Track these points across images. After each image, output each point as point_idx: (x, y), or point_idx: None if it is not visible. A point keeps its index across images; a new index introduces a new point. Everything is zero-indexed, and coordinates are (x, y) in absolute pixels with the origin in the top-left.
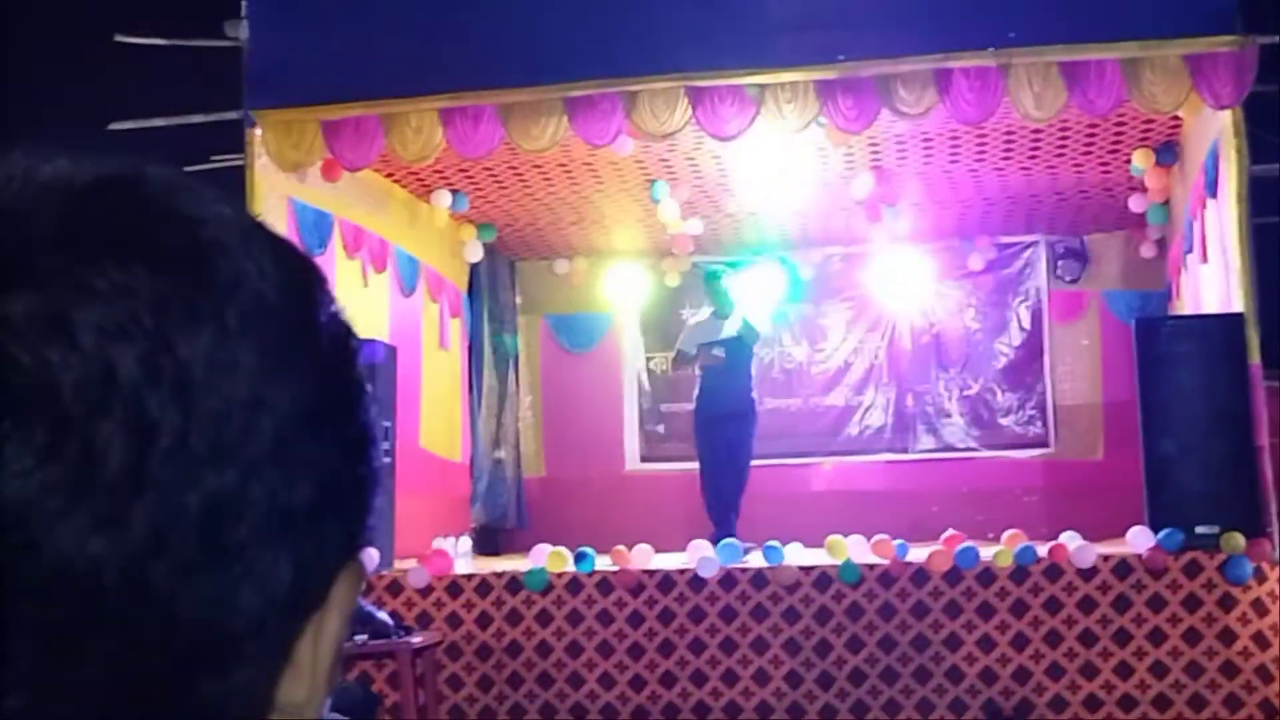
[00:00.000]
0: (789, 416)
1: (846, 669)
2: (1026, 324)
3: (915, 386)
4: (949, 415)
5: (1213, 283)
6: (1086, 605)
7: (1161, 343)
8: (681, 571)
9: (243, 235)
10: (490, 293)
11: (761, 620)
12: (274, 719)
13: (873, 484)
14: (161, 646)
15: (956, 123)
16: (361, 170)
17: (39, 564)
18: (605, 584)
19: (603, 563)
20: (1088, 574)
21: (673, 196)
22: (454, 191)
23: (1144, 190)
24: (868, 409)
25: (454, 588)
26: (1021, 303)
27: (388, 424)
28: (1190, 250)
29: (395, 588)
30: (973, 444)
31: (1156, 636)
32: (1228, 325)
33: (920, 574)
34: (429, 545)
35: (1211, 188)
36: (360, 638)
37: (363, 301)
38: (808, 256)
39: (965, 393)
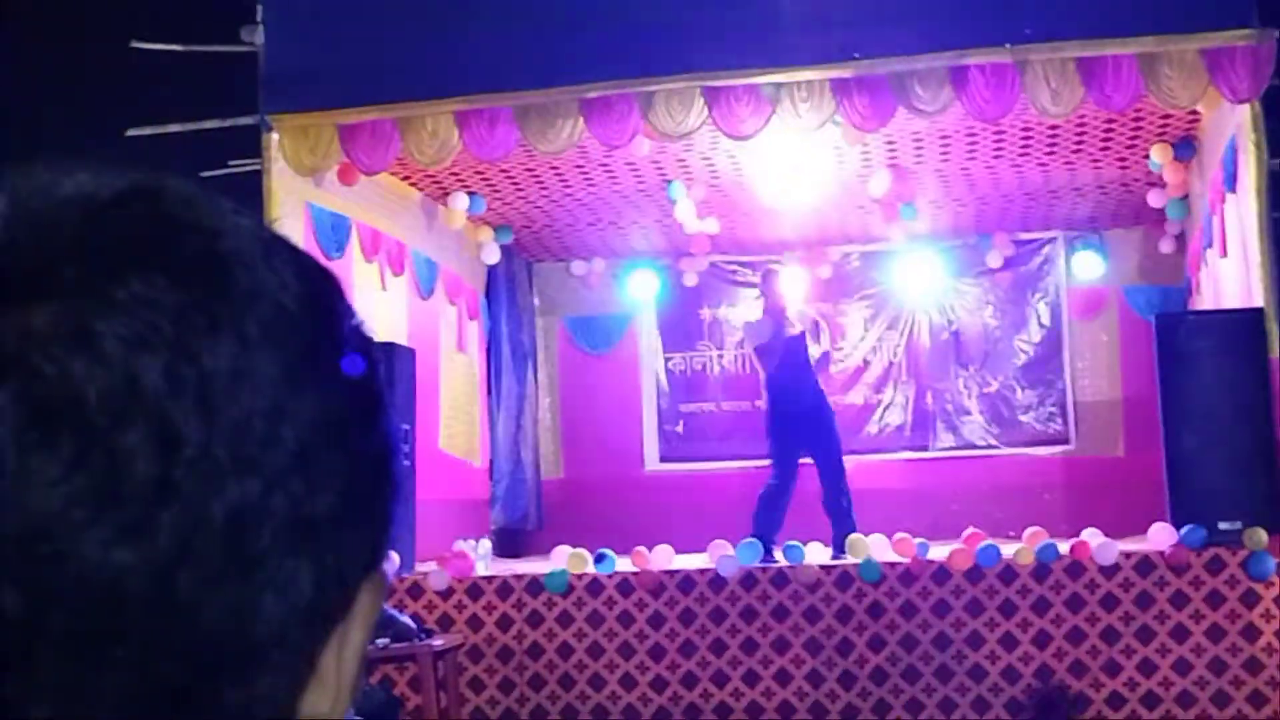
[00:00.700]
0: None
1: (868, 668)
2: (1046, 320)
3: (934, 384)
4: (968, 413)
5: (1232, 277)
6: (1109, 602)
7: (1181, 338)
8: (702, 572)
9: (263, 247)
10: (508, 295)
11: (783, 620)
12: None
13: (892, 482)
14: (185, 656)
15: (973, 120)
16: (378, 174)
17: (65, 574)
18: (626, 585)
19: (623, 564)
20: (1110, 571)
21: (689, 196)
22: (471, 194)
23: (1162, 185)
24: (887, 407)
25: (475, 590)
26: (1040, 299)
27: (407, 427)
28: (1209, 245)
29: (416, 590)
30: (993, 441)
31: (1179, 633)
32: (1248, 320)
33: (941, 572)
34: (449, 548)
35: (1230, 182)
36: (382, 641)
37: (381, 304)
38: (825, 255)
39: (985, 390)
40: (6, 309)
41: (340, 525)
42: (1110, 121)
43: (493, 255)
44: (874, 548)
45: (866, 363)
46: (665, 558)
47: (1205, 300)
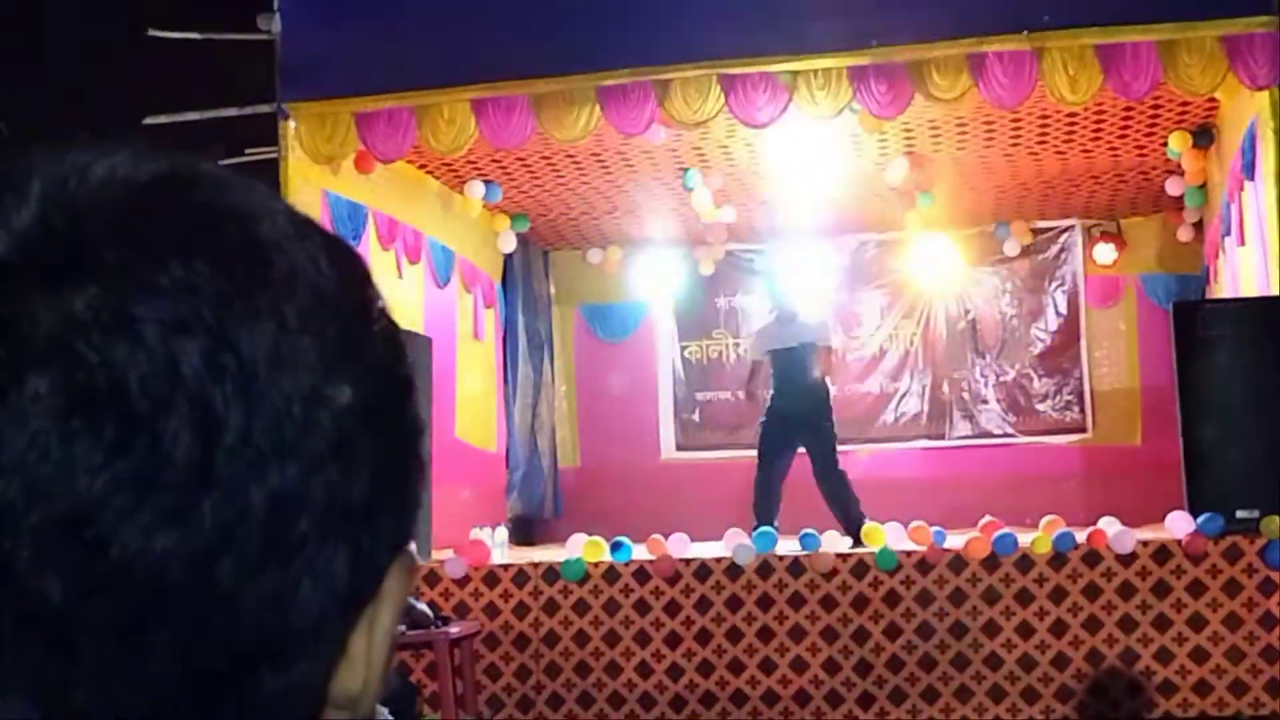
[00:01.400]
0: None
1: (884, 656)
2: (1063, 309)
3: (951, 373)
4: (985, 401)
5: (1251, 265)
6: (1126, 591)
7: (1199, 326)
8: (718, 560)
9: (297, 231)
10: (524, 283)
11: (798, 608)
12: (329, 712)
13: (909, 471)
14: (224, 642)
15: (991, 107)
16: (395, 162)
17: (106, 561)
18: (642, 573)
19: (639, 552)
20: (1127, 559)
21: (706, 184)
22: (487, 182)
23: (1181, 173)
24: (903, 396)
25: (491, 578)
26: (1058, 287)
27: (423, 415)
28: (1228, 233)
29: (433, 578)
30: (1009, 430)
31: (1197, 621)
32: (1266, 308)
33: (958, 560)
34: (466, 536)
35: (1249, 169)
36: (399, 628)
37: (397, 293)
38: (842, 243)
39: (1001, 378)
40: (46, 294)
41: (374, 509)
42: (1128, 109)
43: (509, 243)
44: (890, 536)
45: (883, 351)
46: (681, 545)
47: (1223, 288)
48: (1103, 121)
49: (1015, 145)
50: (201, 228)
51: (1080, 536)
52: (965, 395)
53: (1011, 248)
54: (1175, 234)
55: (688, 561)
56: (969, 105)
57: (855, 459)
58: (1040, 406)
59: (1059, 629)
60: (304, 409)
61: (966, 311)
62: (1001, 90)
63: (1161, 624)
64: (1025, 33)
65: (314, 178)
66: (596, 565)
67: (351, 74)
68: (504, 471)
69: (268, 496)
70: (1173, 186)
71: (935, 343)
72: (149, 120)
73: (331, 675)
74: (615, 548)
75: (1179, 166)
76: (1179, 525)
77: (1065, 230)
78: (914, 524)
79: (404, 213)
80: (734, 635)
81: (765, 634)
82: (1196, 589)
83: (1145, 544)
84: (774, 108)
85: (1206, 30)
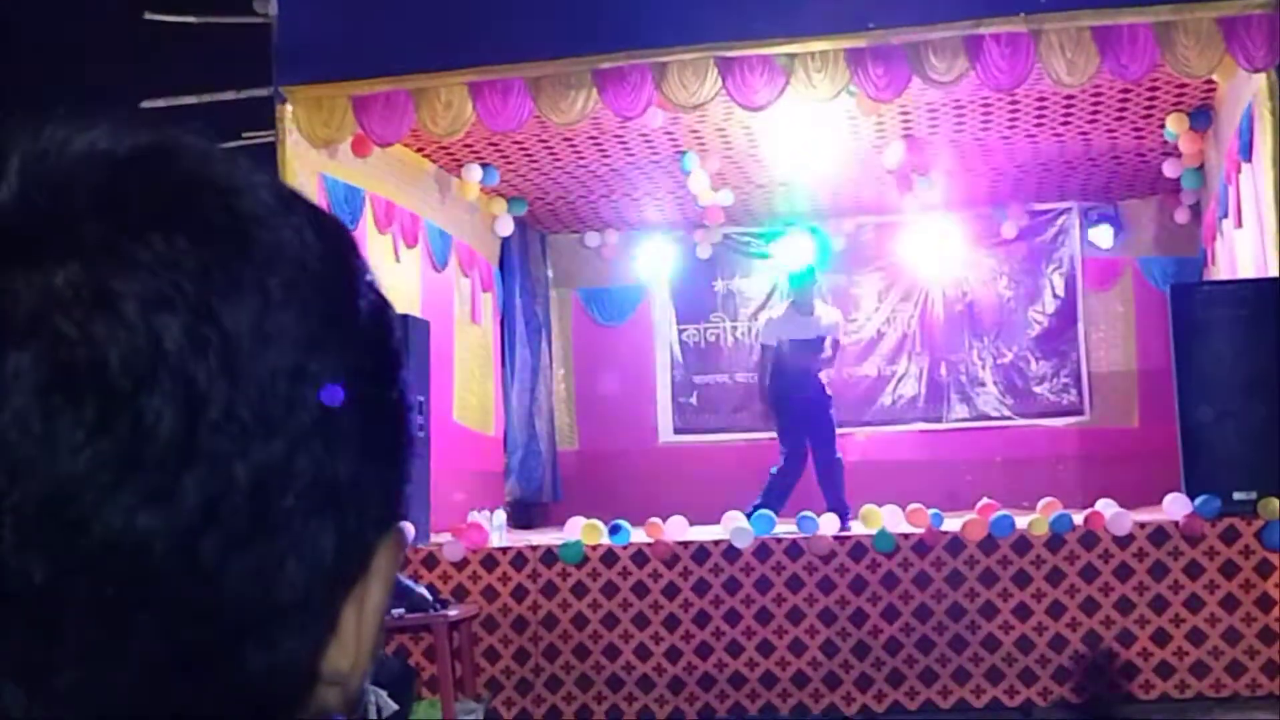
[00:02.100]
0: None
1: (882, 638)
2: (1060, 291)
3: (949, 355)
4: (983, 384)
5: (1248, 247)
6: (1123, 572)
7: (1197, 309)
8: (716, 543)
9: (281, 204)
10: (522, 267)
11: (797, 590)
12: (320, 689)
13: (907, 453)
14: (210, 620)
15: (988, 90)
16: (392, 145)
17: (89, 540)
18: (640, 556)
19: (637, 535)
20: (1124, 541)
21: (703, 168)
22: (484, 165)
23: (1178, 155)
24: (901, 378)
25: (489, 561)
26: (1055, 270)
27: (421, 399)
28: (1225, 215)
29: (431, 561)
30: (1007, 412)
31: (1194, 603)
32: (1263, 290)
33: (955, 543)
34: (464, 519)
35: (1246, 151)
36: (397, 611)
37: (395, 277)
38: (839, 226)
39: (999, 361)
40: (26, 269)
41: (360, 485)
42: (1126, 91)
43: (506, 227)
44: (888, 519)
45: (881, 334)
46: (679, 529)
47: (1220, 270)
48: (1100, 104)
49: (1012, 128)
50: (183, 201)
51: (1078, 518)
52: (963, 378)
53: (1009, 230)
54: (1172, 216)
55: (686, 544)
56: (966, 88)
57: (853, 442)
58: (1037, 389)
59: (1056, 611)
60: (288, 383)
61: (964, 294)
62: (999, 73)
63: (1159, 605)
64: (1022, 15)
65: (311, 161)
66: (595, 548)
67: (348, 57)
68: (502, 455)
69: (252, 473)
70: (1170, 169)
71: (933, 325)
72: (145, 104)
73: (321, 653)
74: (613, 531)
75: (1176, 149)
76: (1176, 507)
77: (1063, 213)
78: (911, 506)
79: (401, 196)
80: (732, 618)
81: (763, 616)
82: (1194, 570)
83: (1142, 526)
84: (771, 90)
85: (1204, 12)
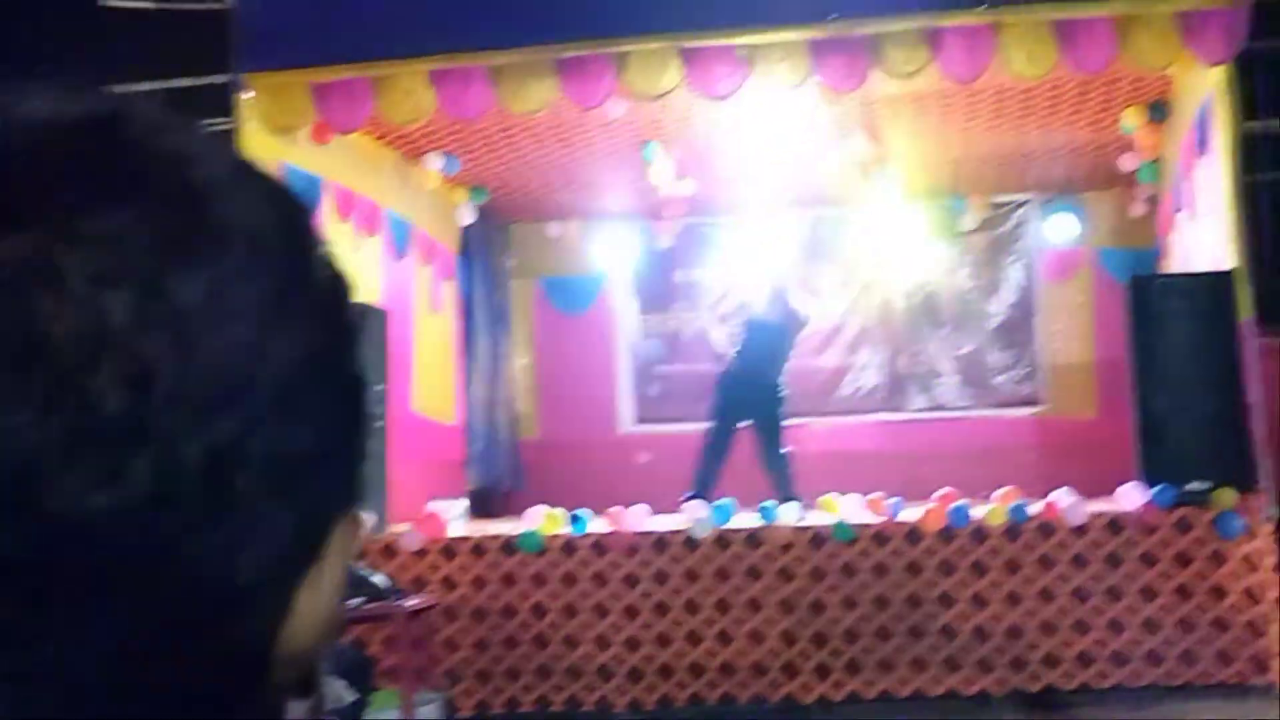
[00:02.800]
0: None
1: (840, 627)
2: (1020, 283)
3: (908, 346)
4: (942, 375)
5: (1204, 240)
6: (1079, 562)
7: (1153, 301)
8: (676, 533)
9: (234, 174)
10: (483, 256)
11: (756, 580)
12: (277, 669)
13: (866, 444)
14: (166, 602)
15: (948, 82)
16: (352, 133)
17: (44, 521)
18: (599, 546)
19: (598, 525)
20: (1080, 531)
21: (665, 157)
22: (445, 154)
23: (1135, 148)
24: (861, 369)
25: (449, 551)
26: (1014, 261)
27: (380, 387)
28: (1180, 208)
29: (390, 551)
30: (966, 403)
31: (1149, 593)
32: (1218, 283)
33: (914, 533)
34: (424, 509)
35: (1202, 145)
36: (356, 601)
37: (354, 265)
38: (800, 217)
39: (958, 352)
40: None
41: (317, 464)
42: (1084, 84)
43: (468, 216)
44: (847, 508)
45: (840, 325)
46: (640, 518)
47: (1176, 263)
48: (1058, 97)
49: (972, 120)
50: (131, 173)
51: (1035, 508)
52: (922, 369)
53: (969, 222)
54: (1130, 209)
55: (645, 534)
56: (927, 80)
57: (812, 432)
58: (997, 380)
59: (1013, 600)
60: (243, 360)
61: (923, 285)
62: (959, 65)
63: (1114, 595)
64: (983, 8)
65: (270, 149)
66: (555, 538)
67: (308, 44)
68: (463, 444)
69: (205, 451)
70: (1127, 162)
71: (892, 316)
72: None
73: (278, 633)
74: (574, 520)
75: (1133, 142)
76: (1132, 497)
77: (1022, 204)
78: (871, 496)
79: (361, 184)
80: (691, 607)
81: (722, 606)
82: (1149, 560)
83: (1099, 516)
84: (733, 81)
85: (1162, 6)
